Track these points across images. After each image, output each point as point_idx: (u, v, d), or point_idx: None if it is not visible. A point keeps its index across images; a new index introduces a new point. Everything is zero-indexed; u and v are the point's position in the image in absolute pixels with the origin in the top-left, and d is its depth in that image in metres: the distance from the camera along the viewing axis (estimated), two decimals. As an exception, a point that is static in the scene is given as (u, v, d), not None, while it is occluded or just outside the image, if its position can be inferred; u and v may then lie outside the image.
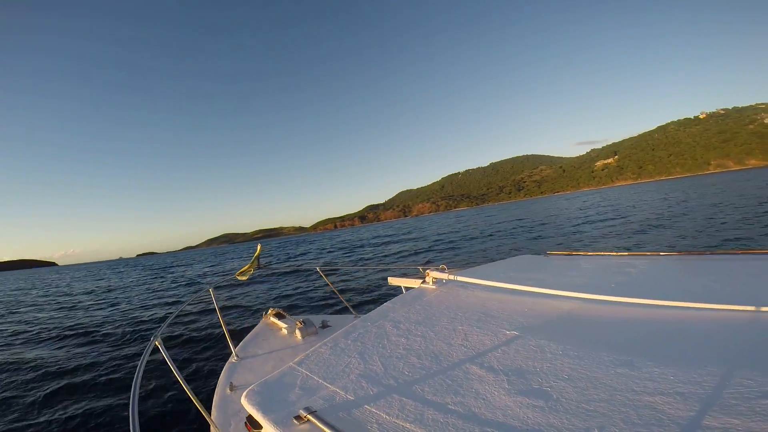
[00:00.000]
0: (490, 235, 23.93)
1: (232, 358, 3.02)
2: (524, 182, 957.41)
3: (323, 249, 37.99)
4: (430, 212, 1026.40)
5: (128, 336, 9.26)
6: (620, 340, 1.17)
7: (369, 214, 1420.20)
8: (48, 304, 19.19)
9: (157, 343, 2.04)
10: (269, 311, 3.85)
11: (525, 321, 1.39)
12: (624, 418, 0.85)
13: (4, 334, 11.51)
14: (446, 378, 1.11)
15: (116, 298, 18.31)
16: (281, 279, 16.52)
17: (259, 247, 3.87)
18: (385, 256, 23.48)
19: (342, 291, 10.65)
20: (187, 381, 1.99)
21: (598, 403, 0.88)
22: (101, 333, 9.85)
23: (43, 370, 6.86)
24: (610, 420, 0.84)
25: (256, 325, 3.78)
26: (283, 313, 3.76)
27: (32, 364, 7.36)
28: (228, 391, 2.37)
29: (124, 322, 11.35)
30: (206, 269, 34.06)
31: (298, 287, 13.86)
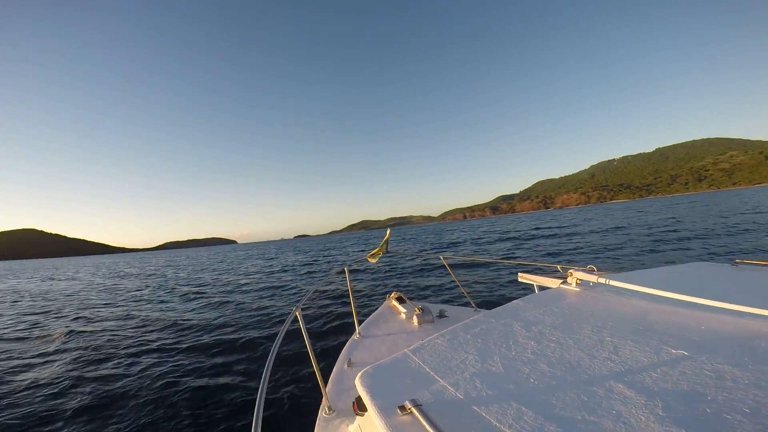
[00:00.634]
0: (687, 239, 16.36)
1: (355, 336, 3.12)
2: (707, 171, 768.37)
3: (479, 239, 31.84)
4: (577, 204, 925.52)
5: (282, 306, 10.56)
6: None
7: (502, 205, 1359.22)
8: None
9: (297, 313, 2.21)
10: (392, 294, 3.97)
11: (700, 340, 1.14)
12: None
13: (219, 283, 16.91)
14: (581, 393, 0.94)
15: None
16: (406, 264, 16.66)
17: (388, 232, 4.06)
18: (517, 249, 20.94)
19: (464, 283, 10.55)
20: (314, 350, 2.11)
21: None
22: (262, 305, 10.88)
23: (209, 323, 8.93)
24: None
25: (379, 306, 3.95)
26: (404, 297, 3.85)
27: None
28: (346, 366, 2.37)
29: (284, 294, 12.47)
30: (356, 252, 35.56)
31: (421, 274, 13.58)
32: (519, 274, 2.60)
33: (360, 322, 3.32)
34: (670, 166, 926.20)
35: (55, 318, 11.09)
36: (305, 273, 18.73)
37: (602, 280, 1.80)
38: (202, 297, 13.36)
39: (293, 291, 12.50)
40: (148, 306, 12.30)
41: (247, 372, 5.54)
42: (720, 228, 18.57)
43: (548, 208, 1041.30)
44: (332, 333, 6.96)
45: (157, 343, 7.48)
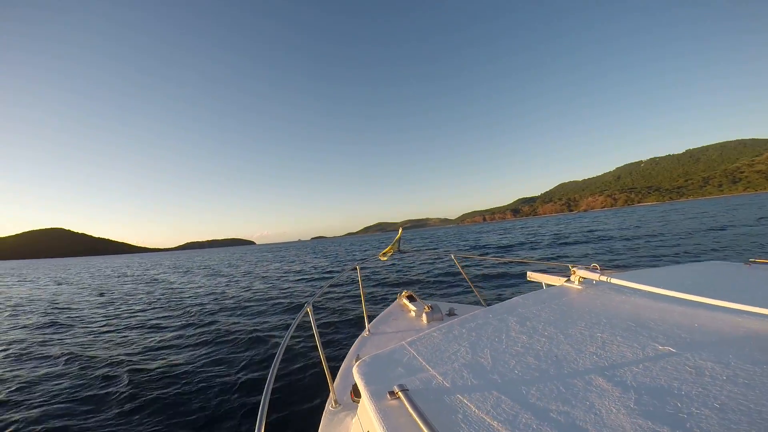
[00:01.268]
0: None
1: (365, 333, 3.19)
2: (742, 173, 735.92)
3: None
4: (603, 207, 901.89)
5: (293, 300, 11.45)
6: None
7: (524, 207, 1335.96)
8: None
9: (308, 309, 2.25)
10: (403, 293, 3.99)
11: (689, 337, 1.16)
12: None
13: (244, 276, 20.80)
14: (560, 385, 0.98)
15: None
16: (417, 262, 17.45)
17: (400, 231, 4.11)
18: (530, 249, 22.06)
19: (475, 282, 10.72)
20: (324, 346, 2.16)
21: None
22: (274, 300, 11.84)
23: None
24: None
25: (390, 304, 4.00)
26: (415, 296, 3.87)
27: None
28: (354, 362, 2.37)
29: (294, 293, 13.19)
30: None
31: (433, 273, 13.85)
32: (528, 273, 2.63)
33: (370, 320, 3.40)
34: (701, 168, 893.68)
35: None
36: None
37: (604, 278, 1.82)
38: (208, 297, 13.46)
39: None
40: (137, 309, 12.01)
41: (257, 364, 5.64)
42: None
43: (572, 210, 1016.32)
44: (342, 329, 7.10)
45: (162, 337, 7.75)
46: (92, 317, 10.87)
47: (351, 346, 3.04)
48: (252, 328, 7.94)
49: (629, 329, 1.27)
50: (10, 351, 7.31)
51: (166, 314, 10.53)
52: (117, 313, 11.45)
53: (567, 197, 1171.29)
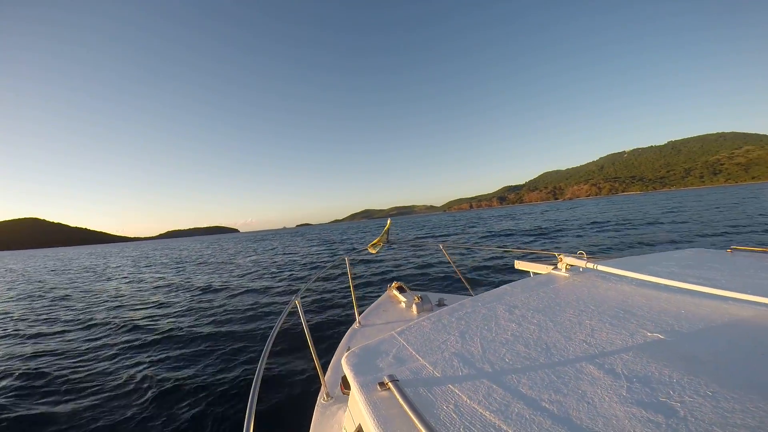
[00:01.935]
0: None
1: (355, 324, 3.20)
2: (722, 165, 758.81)
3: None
4: (588, 195, 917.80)
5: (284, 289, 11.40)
6: None
7: (510, 195, 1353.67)
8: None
9: (297, 301, 2.22)
10: (392, 284, 4.00)
11: (677, 324, 1.17)
12: None
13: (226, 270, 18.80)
14: (551, 373, 0.98)
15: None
16: (407, 254, 16.89)
17: (389, 222, 4.03)
18: (512, 236, 22.37)
19: (464, 271, 10.42)
20: (314, 339, 2.16)
21: (739, 429, 0.72)
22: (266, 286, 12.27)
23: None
24: None
25: (380, 295, 3.98)
26: (405, 287, 3.90)
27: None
28: (342, 356, 2.37)
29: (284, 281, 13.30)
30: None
31: (422, 263, 13.67)
32: (515, 261, 2.63)
33: (360, 312, 3.40)
34: (683, 160, 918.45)
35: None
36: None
37: (591, 265, 1.83)
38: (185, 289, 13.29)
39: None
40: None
41: (245, 361, 5.51)
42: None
43: (557, 199, 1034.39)
44: (332, 322, 6.91)
45: (145, 335, 7.41)
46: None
47: (341, 338, 3.02)
48: (238, 320, 7.85)
49: (617, 316, 1.28)
50: None
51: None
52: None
53: (552, 186, 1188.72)
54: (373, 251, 3.81)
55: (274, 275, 15.00)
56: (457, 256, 14.16)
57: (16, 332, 8.34)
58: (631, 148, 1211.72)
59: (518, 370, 1.01)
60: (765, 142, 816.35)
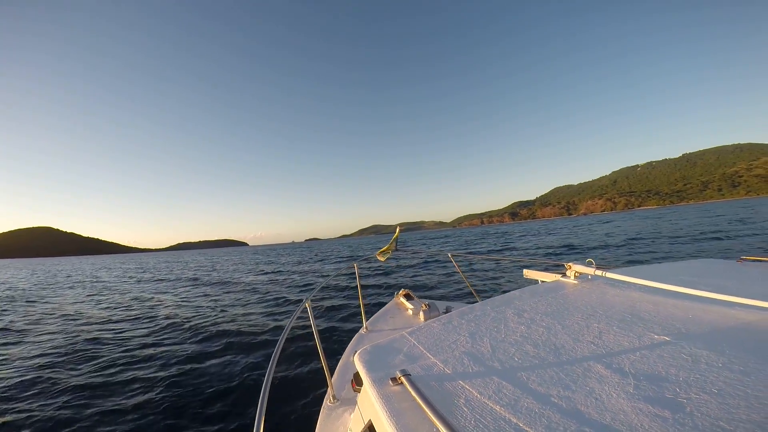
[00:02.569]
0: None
1: (362, 330, 3.26)
2: (740, 177, 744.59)
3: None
4: (602, 210, 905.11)
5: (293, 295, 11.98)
6: None
7: (522, 211, 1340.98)
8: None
9: (306, 305, 2.28)
10: (400, 291, 4.05)
11: (684, 327, 1.19)
12: None
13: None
14: (560, 371, 1.01)
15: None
16: (415, 262, 17.53)
17: (398, 230, 4.08)
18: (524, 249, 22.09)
19: (472, 280, 10.75)
20: (322, 342, 2.22)
21: (744, 424, 0.72)
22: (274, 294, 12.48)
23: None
24: None
25: (387, 302, 4.05)
26: (412, 294, 3.93)
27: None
28: (352, 358, 2.42)
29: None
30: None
31: (430, 271, 14.10)
32: (524, 270, 2.69)
33: (367, 317, 3.50)
34: (699, 172, 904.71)
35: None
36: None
37: (599, 273, 1.85)
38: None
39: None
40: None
41: (254, 361, 5.72)
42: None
43: (571, 214, 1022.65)
44: (340, 326, 7.16)
45: (160, 335, 7.70)
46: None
47: (348, 343, 3.12)
48: (251, 323, 8.14)
49: (625, 320, 1.30)
50: None
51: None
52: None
53: (565, 201, 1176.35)
54: (382, 259, 3.86)
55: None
56: (464, 265, 14.24)
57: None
58: (645, 162, 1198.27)
59: (527, 369, 1.04)
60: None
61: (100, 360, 6.20)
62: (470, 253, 21.63)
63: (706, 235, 20.22)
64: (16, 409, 4.48)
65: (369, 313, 3.67)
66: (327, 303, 9.31)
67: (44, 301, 14.56)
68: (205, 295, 13.54)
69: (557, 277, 2.14)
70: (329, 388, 2.20)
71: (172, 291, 15.80)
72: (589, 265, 1.95)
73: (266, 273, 21.16)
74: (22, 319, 10.53)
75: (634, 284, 1.68)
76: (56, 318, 10.50)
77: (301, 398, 4.20)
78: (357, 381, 1.93)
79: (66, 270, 44.10)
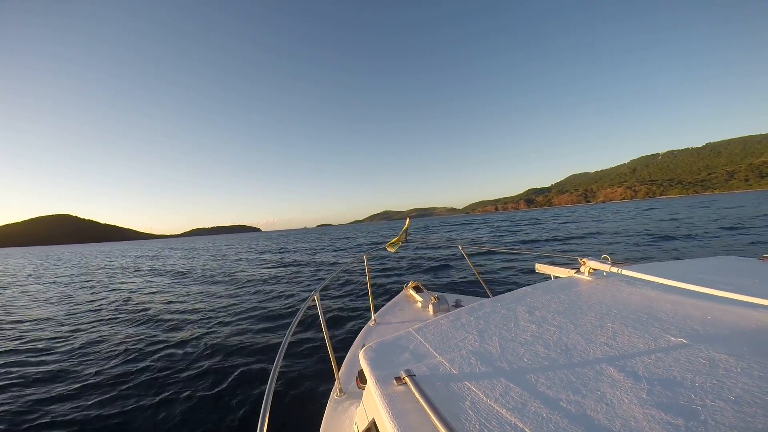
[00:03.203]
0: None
1: (371, 322, 3.21)
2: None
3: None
4: (622, 199, 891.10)
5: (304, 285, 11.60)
6: None
7: (537, 198, 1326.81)
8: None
9: (315, 297, 2.23)
10: (409, 284, 3.99)
11: (702, 329, 1.14)
12: None
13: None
14: (570, 374, 0.97)
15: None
16: (425, 253, 16.69)
17: (407, 221, 4.00)
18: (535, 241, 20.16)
19: (483, 273, 10.30)
20: (330, 334, 2.18)
21: None
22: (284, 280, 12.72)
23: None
24: None
25: (396, 294, 3.98)
26: (421, 287, 3.88)
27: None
28: (359, 351, 2.44)
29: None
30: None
31: (440, 263, 13.35)
32: (536, 264, 2.61)
33: (376, 310, 3.44)
34: (723, 162, 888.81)
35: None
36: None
37: (615, 270, 1.80)
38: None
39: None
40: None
41: (262, 352, 5.58)
42: None
43: (589, 201, 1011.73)
44: (348, 318, 6.94)
45: (165, 325, 7.60)
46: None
47: (357, 335, 3.05)
48: (260, 316, 7.91)
49: (640, 320, 1.25)
50: None
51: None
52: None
53: (582, 188, 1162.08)
54: (392, 250, 3.81)
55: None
56: (475, 257, 13.97)
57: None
58: (665, 150, 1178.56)
59: (536, 370, 1.01)
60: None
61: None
62: (481, 244, 20.64)
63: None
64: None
65: (378, 306, 3.61)
66: (336, 294, 9.12)
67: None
68: (209, 284, 13.26)
69: (571, 272, 2.06)
70: (336, 382, 2.18)
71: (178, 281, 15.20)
72: (604, 260, 1.90)
73: (274, 266, 18.76)
74: None
75: (651, 282, 1.63)
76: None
77: (308, 391, 4.17)
78: (361, 378, 1.88)
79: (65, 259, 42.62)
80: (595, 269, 1.92)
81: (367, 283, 3.62)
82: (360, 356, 1.19)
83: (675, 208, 49.11)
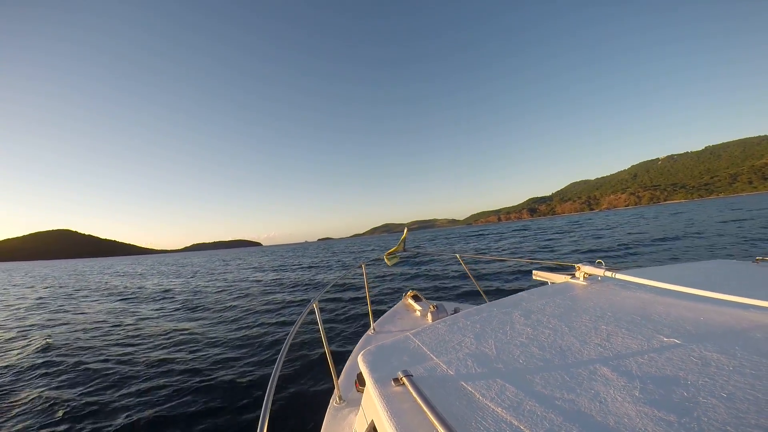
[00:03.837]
0: None
1: (370, 331, 3.25)
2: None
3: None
4: (626, 205, 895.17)
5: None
6: None
7: (540, 207, 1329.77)
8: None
9: (314, 305, 2.25)
10: (408, 293, 4.03)
11: (694, 330, 1.16)
12: None
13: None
14: (565, 374, 0.98)
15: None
16: (423, 263, 17.23)
17: (405, 231, 4.05)
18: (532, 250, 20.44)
19: (481, 281, 10.65)
20: (329, 343, 2.18)
21: (753, 430, 0.70)
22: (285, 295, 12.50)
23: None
24: None
25: (395, 304, 4.03)
26: (420, 296, 3.92)
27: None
28: (359, 354, 2.36)
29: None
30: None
31: (438, 272, 13.86)
32: (534, 271, 2.64)
33: (375, 318, 3.50)
34: (725, 165, 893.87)
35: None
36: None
37: (609, 274, 1.81)
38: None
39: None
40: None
41: (261, 360, 5.70)
42: None
43: (593, 209, 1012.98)
44: (347, 327, 7.10)
45: (167, 333, 7.78)
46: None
47: (356, 344, 3.12)
48: (258, 322, 8.14)
49: (634, 322, 1.27)
50: None
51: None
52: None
53: (585, 195, 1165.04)
54: (390, 263, 3.83)
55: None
56: (474, 266, 14.23)
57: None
58: (665, 155, 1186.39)
59: (531, 371, 1.02)
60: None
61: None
62: (478, 253, 21.00)
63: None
64: None
65: (377, 315, 3.65)
66: (335, 303, 9.28)
67: None
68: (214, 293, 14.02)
69: (566, 278, 2.10)
70: (336, 389, 2.20)
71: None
72: (598, 266, 1.91)
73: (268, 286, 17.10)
74: None
75: (645, 285, 1.63)
76: None
77: (307, 398, 4.19)
78: (360, 381, 1.92)
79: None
80: (590, 274, 1.93)
81: (366, 293, 3.60)
82: (359, 359, 1.22)
83: (707, 211, 46.37)
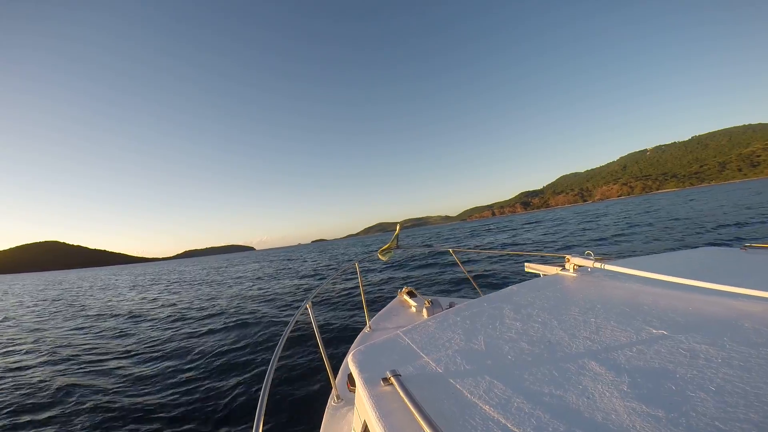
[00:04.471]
0: None
1: (366, 329, 3.23)
2: (758, 156, 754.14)
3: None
4: (619, 195, 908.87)
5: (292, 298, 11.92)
6: None
7: (533, 200, 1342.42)
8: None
9: (308, 305, 2.26)
10: (403, 289, 4.04)
11: (683, 320, 1.15)
12: None
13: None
14: (553, 369, 0.97)
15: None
16: (417, 258, 17.06)
17: (398, 227, 4.06)
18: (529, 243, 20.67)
19: (474, 275, 10.62)
20: (325, 343, 2.17)
21: (741, 424, 0.68)
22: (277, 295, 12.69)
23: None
24: None
25: (390, 300, 4.03)
26: (415, 292, 3.93)
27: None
28: (348, 355, 2.30)
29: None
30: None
31: (432, 268, 13.76)
32: (526, 264, 2.64)
33: (371, 316, 3.46)
34: (712, 154, 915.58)
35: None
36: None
37: (598, 265, 1.80)
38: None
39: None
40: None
41: (256, 362, 5.63)
42: None
43: (586, 201, 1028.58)
44: (343, 326, 7.05)
45: (160, 334, 7.88)
46: None
47: (352, 342, 3.12)
48: (252, 322, 8.13)
49: (623, 314, 1.27)
50: None
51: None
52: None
53: (578, 188, 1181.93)
54: (384, 258, 3.82)
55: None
56: (467, 260, 14.34)
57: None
58: (653, 146, 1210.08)
59: (520, 367, 1.01)
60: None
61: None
62: (471, 247, 19.36)
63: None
64: None
65: (372, 312, 3.65)
66: (329, 302, 9.25)
67: None
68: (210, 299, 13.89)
69: (558, 270, 2.10)
70: (333, 388, 2.20)
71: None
72: (587, 257, 1.91)
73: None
74: None
75: (634, 276, 1.62)
76: None
77: (305, 398, 4.20)
78: (351, 381, 1.94)
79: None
80: (579, 265, 1.92)
81: (360, 290, 3.59)
82: (348, 359, 1.20)
83: (715, 197, 45.79)
